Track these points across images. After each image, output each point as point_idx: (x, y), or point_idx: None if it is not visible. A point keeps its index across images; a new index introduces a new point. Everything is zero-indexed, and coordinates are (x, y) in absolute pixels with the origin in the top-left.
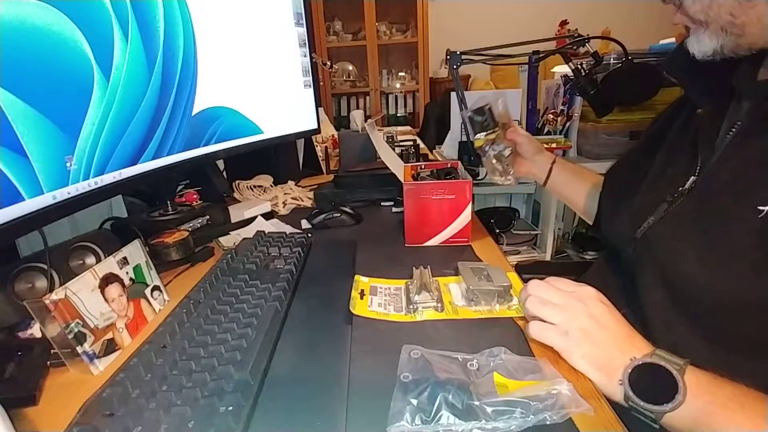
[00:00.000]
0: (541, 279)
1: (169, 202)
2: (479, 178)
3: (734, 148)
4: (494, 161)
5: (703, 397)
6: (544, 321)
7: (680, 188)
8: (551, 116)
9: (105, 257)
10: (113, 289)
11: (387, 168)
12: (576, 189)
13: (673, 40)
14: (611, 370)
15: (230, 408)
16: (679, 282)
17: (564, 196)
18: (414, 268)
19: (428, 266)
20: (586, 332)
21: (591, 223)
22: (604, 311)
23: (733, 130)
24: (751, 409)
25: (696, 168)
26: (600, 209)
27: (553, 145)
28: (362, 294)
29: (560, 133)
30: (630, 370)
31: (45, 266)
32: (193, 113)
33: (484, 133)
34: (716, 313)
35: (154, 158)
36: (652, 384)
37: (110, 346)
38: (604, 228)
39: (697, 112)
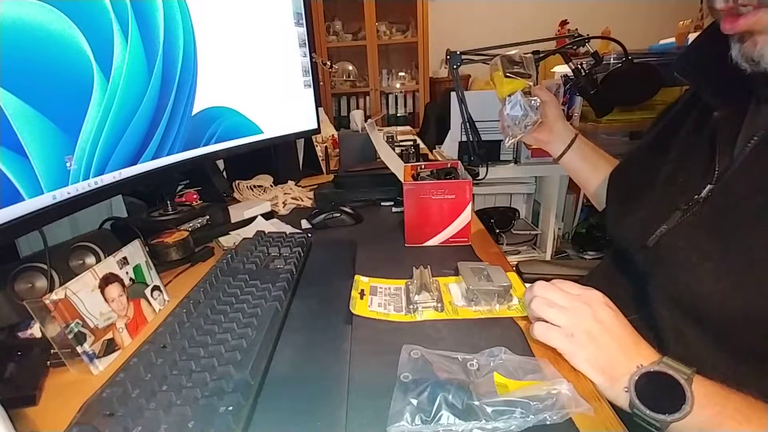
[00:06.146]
0: (547, 281)
1: (169, 202)
2: (479, 178)
3: (756, 158)
4: (519, 111)
5: (711, 408)
6: (549, 322)
7: (695, 196)
8: None
9: (105, 257)
10: (113, 289)
11: (387, 168)
12: (592, 172)
13: (673, 40)
14: (615, 376)
15: (230, 408)
16: (691, 293)
17: (576, 176)
18: (414, 268)
19: (428, 266)
20: (591, 336)
21: (600, 209)
22: (611, 316)
23: (755, 138)
24: (759, 421)
25: (713, 176)
26: (606, 212)
27: None
28: (362, 294)
29: None
30: (636, 378)
31: (45, 266)
32: (193, 113)
33: (519, 79)
34: (729, 326)
35: (154, 158)
36: (659, 392)
37: (110, 346)
38: (611, 232)
39: (713, 115)
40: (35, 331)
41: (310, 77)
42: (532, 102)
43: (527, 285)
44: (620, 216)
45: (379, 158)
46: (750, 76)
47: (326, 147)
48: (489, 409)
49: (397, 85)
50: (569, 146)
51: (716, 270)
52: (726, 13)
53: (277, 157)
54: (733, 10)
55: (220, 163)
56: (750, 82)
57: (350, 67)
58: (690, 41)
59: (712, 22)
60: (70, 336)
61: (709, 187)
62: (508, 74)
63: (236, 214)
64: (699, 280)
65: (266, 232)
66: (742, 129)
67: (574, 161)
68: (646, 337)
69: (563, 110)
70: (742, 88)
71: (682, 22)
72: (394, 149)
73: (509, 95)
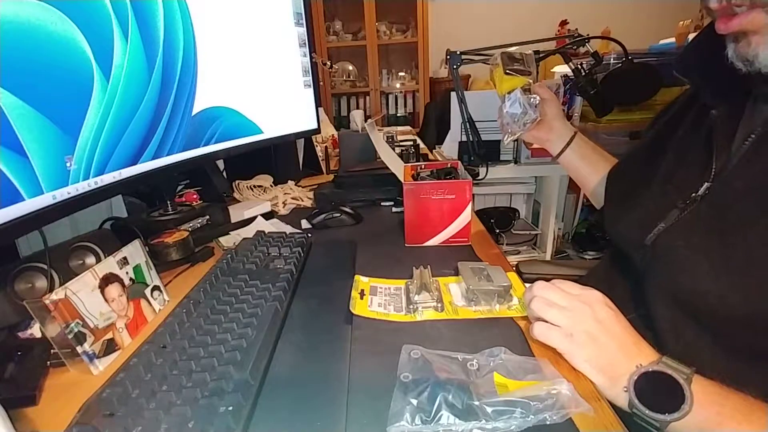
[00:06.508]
0: (547, 281)
1: (169, 202)
2: (479, 178)
3: (753, 155)
4: (518, 109)
5: (710, 407)
6: (549, 322)
7: (693, 194)
8: None
9: (105, 257)
10: (113, 289)
11: (387, 168)
12: (591, 170)
13: (673, 40)
14: (615, 375)
15: (230, 408)
16: (689, 291)
17: (575, 174)
18: (414, 268)
19: (428, 266)
20: (591, 336)
21: (598, 207)
22: (611, 316)
23: (753, 136)
24: (759, 420)
25: (710, 174)
26: (604, 211)
27: None
28: (362, 294)
29: None
30: (636, 378)
31: (45, 266)
32: (193, 113)
33: (519, 76)
34: (727, 324)
35: (154, 158)
36: (658, 392)
37: (110, 346)
38: (609, 230)
39: (711, 113)
40: (35, 331)
41: (310, 77)
42: (532, 99)
43: (527, 285)
44: (618, 214)
45: (379, 158)
46: (747, 75)
47: (326, 147)
48: (489, 409)
49: (397, 85)
50: (568, 144)
51: (714, 268)
52: (720, 13)
53: (277, 157)
54: (727, 9)
55: (220, 163)
56: (747, 80)
57: (350, 67)
58: (690, 41)
59: (711, 21)
60: (70, 336)
61: (706, 185)
62: (508, 71)
63: (236, 214)
64: (697, 278)
65: (266, 232)
66: (739, 127)
67: (573, 159)
68: (645, 336)
69: (563, 110)
70: (739, 87)
71: (682, 22)
72: (394, 149)
73: (509, 92)
